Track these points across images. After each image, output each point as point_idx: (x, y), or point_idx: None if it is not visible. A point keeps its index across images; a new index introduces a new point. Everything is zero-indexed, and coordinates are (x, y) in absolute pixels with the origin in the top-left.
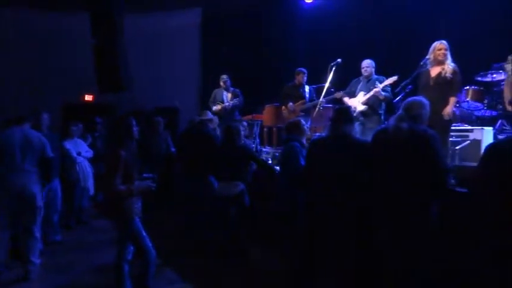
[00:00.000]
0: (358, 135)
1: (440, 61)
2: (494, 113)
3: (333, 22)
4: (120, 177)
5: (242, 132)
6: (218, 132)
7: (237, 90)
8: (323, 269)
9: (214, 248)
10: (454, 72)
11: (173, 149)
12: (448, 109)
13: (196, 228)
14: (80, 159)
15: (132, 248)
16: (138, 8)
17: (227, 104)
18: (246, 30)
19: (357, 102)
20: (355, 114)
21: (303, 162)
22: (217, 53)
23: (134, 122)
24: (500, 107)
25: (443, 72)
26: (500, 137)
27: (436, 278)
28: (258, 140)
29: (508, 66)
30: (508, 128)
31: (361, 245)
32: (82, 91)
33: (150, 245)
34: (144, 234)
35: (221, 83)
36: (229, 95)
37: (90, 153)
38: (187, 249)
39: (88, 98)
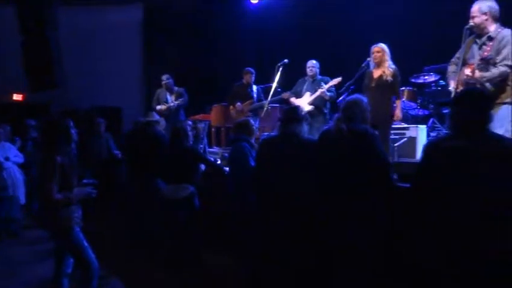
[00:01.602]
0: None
1: (379, 63)
2: (426, 112)
3: (279, 23)
4: (56, 185)
5: (190, 133)
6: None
7: (181, 89)
8: (276, 269)
9: (163, 254)
10: (394, 75)
11: (116, 152)
12: (398, 112)
13: (144, 234)
14: (7, 164)
15: (71, 260)
16: (74, 0)
17: (172, 104)
18: (191, 28)
19: (304, 103)
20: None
21: (252, 163)
22: (161, 50)
23: (72, 124)
24: (432, 106)
25: (384, 76)
26: (432, 134)
27: (384, 271)
28: (205, 141)
29: (451, 67)
30: (438, 125)
31: (311, 243)
32: (10, 90)
33: (93, 255)
34: (86, 244)
35: (163, 84)
36: (173, 95)
37: (20, 158)
38: (134, 257)
39: (17, 97)
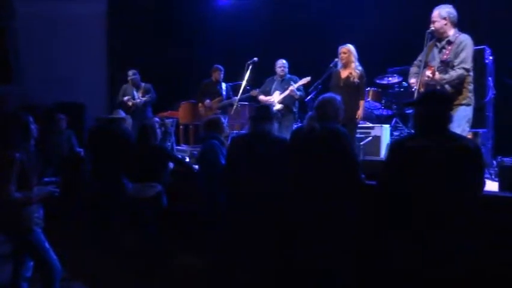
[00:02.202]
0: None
1: (345, 64)
2: (390, 112)
3: (248, 21)
4: (15, 184)
5: (158, 131)
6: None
7: (148, 85)
8: (244, 269)
9: (130, 254)
10: (360, 77)
11: (78, 149)
12: (360, 112)
13: (109, 234)
14: None
15: (31, 263)
16: None
17: (138, 100)
18: (157, 23)
19: (274, 101)
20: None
21: (223, 161)
22: (126, 45)
23: (31, 119)
24: (395, 106)
25: (351, 77)
26: (395, 133)
27: (357, 267)
28: (173, 138)
29: (413, 69)
30: (401, 125)
31: (282, 242)
32: None
33: (55, 257)
34: (47, 246)
35: (128, 80)
36: (140, 92)
37: None
38: (99, 258)
39: None
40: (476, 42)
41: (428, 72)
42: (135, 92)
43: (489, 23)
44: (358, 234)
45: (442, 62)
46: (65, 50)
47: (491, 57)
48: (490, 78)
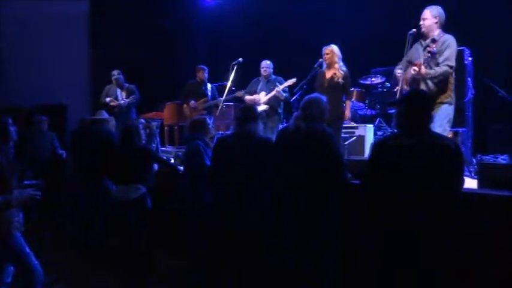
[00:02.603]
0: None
1: (329, 64)
2: (373, 112)
3: (233, 21)
4: None
5: (142, 132)
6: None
7: (132, 86)
8: (231, 269)
9: (114, 257)
10: (344, 77)
11: (61, 152)
12: (347, 112)
13: (93, 238)
14: None
15: (11, 268)
16: None
17: (122, 101)
18: (142, 24)
19: (259, 102)
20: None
21: (207, 162)
22: (109, 45)
23: (11, 121)
24: (378, 106)
25: (335, 77)
26: (379, 133)
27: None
28: (158, 139)
29: (397, 70)
30: (384, 125)
31: (268, 242)
32: None
33: (36, 262)
34: (28, 250)
35: (112, 80)
36: (124, 92)
37: None
38: (83, 261)
39: None
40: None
41: (414, 67)
42: (118, 93)
43: (468, 25)
44: (343, 233)
45: (429, 52)
46: (46, 51)
47: (470, 58)
48: (469, 79)
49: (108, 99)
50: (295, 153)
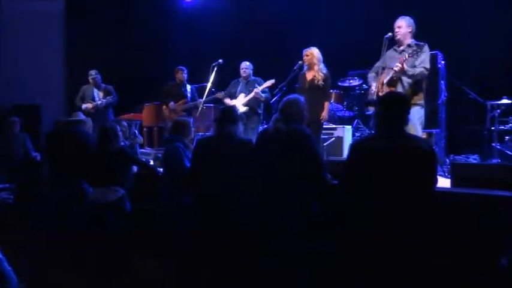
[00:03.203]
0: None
1: (309, 66)
2: (351, 113)
3: (213, 22)
4: None
5: (120, 133)
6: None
7: (110, 86)
8: (210, 271)
9: (92, 261)
10: (324, 79)
11: (34, 154)
12: (324, 113)
13: (70, 241)
14: None
15: None
16: None
17: (100, 102)
18: (119, 23)
19: (239, 104)
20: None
21: (187, 163)
22: (85, 45)
23: None
24: (356, 108)
25: (315, 79)
26: (357, 134)
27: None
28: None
29: (370, 75)
30: (362, 126)
31: (248, 242)
32: None
33: (9, 269)
34: (1, 256)
35: (90, 80)
36: (101, 93)
37: None
38: (59, 266)
39: None
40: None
41: (397, 64)
42: (95, 93)
43: (441, 30)
44: (323, 233)
45: (409, 45)
46: (20, 49)
47: (443, 62)
48: (442, 82)
49: (84, 105)
50: (276, 154)
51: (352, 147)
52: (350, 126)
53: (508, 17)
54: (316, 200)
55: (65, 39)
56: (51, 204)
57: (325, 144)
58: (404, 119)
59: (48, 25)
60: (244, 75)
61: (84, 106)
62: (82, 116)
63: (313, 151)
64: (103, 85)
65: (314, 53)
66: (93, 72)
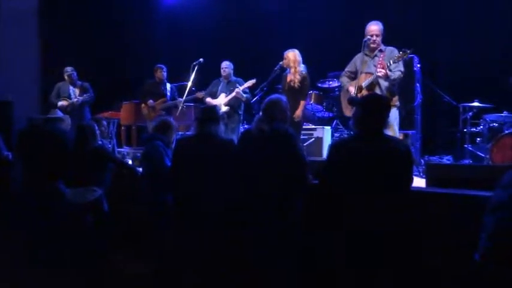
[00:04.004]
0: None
1: (288, 68)
2: (330, 114)
3: (194, 21)
4: None
5: (98, 132)
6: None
7: (86, 83)
8: (192, 272)
9: (70, 263)
10: (301, 81)
11: (6, 153)
12: (298, 112)
13: (46, 244)
14: None
15: None
16: None
17: (75, 99)
18: (99, 20)
19: (220, 103)
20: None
21: (167, 162)
22: (61, 41)
23: None
24: (335, 109)
25: (292, 81)
26: (336, 134)
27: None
28: (114, 140)
29: (344, 79)
30: (341, 127)
31: (231, 242)
32: None
33: None
34: None
35: (65, 77)
36: (77, 90)
37: None
38: (34, 270)
39: None
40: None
41: (380, 70)
42: (71, 91)
43: (416, 34)
44: (304, 232)
45: (381, 51)
46: None
47: (419, 65)
48: (418, 85)
49: (60, 103)
50: (259, 154)
51: (332, 147)
52: (329, 127)
53: (480, 22)
54: (299, 200)
55: (39, 35)
56: (24, 204)
57: (304, 144)
58: (384, 121)
59: (21, 20)
60: (224, 74)
61: (59, 103)
62: (60, 113)
63: (297, 151)
64: (79, 82)
65: (289, 55)
66: (68, 69)
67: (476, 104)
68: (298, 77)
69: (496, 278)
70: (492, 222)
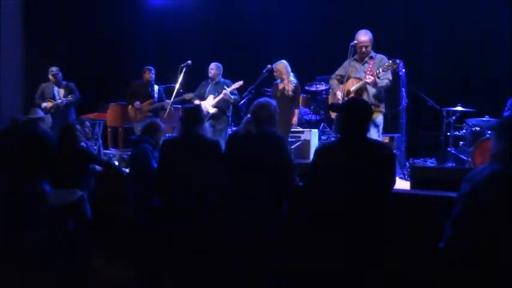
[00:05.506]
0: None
1: (282, 79)
2: (318, 117)
3: (182, 22)
4: None
5: (81, 133)
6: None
7: (71, 84)
8: (179, 275)
9: (50, 267)
10: (294, 90)
11: None
12: (294, 119)
13: (25, 247)
14: None
15: None
16: None
17: (60, 100)
18: (85, 20)
19: (208, 105)
20: (207, 117)
21: (154, 164)
22: (45, 40)
23: None
24: (323, 112)
25: (285, 90)
26: (323, 137)
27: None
28: (100, 142)
29: (333, 81)
30: (328, 130)
31: (218, 244)
32: None
33: None
34: None
35: (50, 77)
36: (62, 91)
37: None
38: (12, 274)
39: None
40: (390, 56)
41: (369, 75)
42: (56, 91)
43: (402, 40)
44: (290, 233)
45: (371, 58)
46: None
47: (404, 70)
48: (403, 89)
49: (44, 104)
50: (246, 156)
51: (317, 151)
52: (317, 130)
53: (464, 29)
54: (287, 201)
55: (23, 33)
56: (6, 207)
57: (292, 147)
58: (365, 125)
59: (4, 19)
60: (210, 75)
61: (43, 105)
62: (40, 113)
63: (284, 153)
64: (64, 82)
65: (280, 68)
66: (54, 69)
67: (459, 108)
68: (291, 86)
69: (457, 263)
70: (455, 211)
